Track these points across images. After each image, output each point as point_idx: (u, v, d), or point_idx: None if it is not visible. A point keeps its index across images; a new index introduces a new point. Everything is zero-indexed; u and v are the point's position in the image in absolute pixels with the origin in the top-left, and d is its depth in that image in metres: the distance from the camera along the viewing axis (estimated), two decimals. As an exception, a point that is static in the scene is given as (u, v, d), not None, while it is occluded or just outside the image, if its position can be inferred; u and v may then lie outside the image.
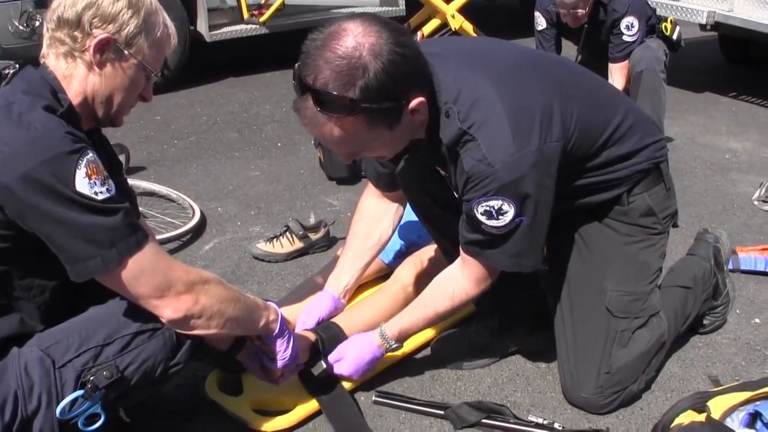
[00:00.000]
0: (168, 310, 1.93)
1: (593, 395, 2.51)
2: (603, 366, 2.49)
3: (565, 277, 2.58)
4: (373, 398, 2.56)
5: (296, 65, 2.01)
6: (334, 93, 1.95)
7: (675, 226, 2.67)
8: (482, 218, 2.20)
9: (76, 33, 1.92)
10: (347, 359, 2.48)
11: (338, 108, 1.98)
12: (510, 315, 2.75)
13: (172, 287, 1.92)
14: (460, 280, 2.41)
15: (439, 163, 2.33)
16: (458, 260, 2.42)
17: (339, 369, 2.49)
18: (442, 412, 2.49)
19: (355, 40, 1.95)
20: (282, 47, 6.47)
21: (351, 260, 2.78)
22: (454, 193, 2.30)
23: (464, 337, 2.79)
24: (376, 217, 2.78)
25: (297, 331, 2.58)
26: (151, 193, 4.11)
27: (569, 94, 2.28)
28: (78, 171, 1.78)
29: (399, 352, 2.59)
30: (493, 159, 2.11)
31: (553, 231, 2.34)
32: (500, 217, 2.18)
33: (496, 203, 2.16)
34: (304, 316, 2.67)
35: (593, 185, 2.43)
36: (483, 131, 2.13)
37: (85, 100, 1.98)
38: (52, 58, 1.96)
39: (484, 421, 2.44)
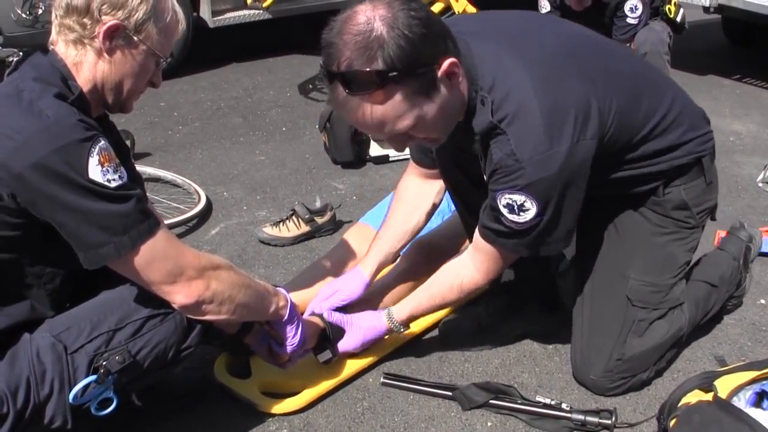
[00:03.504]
0: (180, 295, 1.95)
1: (601, 378, 2.51)
2: (615, 352, 2.49)
3: (591, 257, 2.56)
4: (382, 380, 2.57)
5: (320, 62, 1.99)
6: (359, 70, 1.92)
7: (713, 219, 2.62)
8: (504, 210, 2.17)
9: (85, 20, 1.91)
10: (354, 336, 2.53)
11: (367, 84, 1.93)
12: (519, 296, 2.76)
13: (183, 273, 1.93)
14: (470, 269, 2.41)
15: (473, 147, 2.27)
16: (470, 247, 2.41)
17: (344, 345, 2.53)
18: (450, 393, 2.51)
19: (365, 15, 1.92)
20: (285, 32, 6.46)
21: (387, 243, 2.70)
22: (484, 177, 2.26)
23: (472, 318, 2.81)
24: (415, 199, 2.72)
25: (322, 306, 2.58)
26: (156, 179, 4.12)
27: (609, 86, 2.21)
28: (91, 159, 1.78)
29: (405, 332, 2.60)
30: (521, 155, 2.08)
31: (583, 211, 2.29)
32: (521, 213, 2.15)
33: (519, 198, 2.13)
34: (330, 290, 2.63)
35: (628, 178, 2.39)
36: (514, 126, 2.09)
37: (95, 87, 1.97)
38: (61, 45, 1.95)
39: (491, 401, 2.46)
